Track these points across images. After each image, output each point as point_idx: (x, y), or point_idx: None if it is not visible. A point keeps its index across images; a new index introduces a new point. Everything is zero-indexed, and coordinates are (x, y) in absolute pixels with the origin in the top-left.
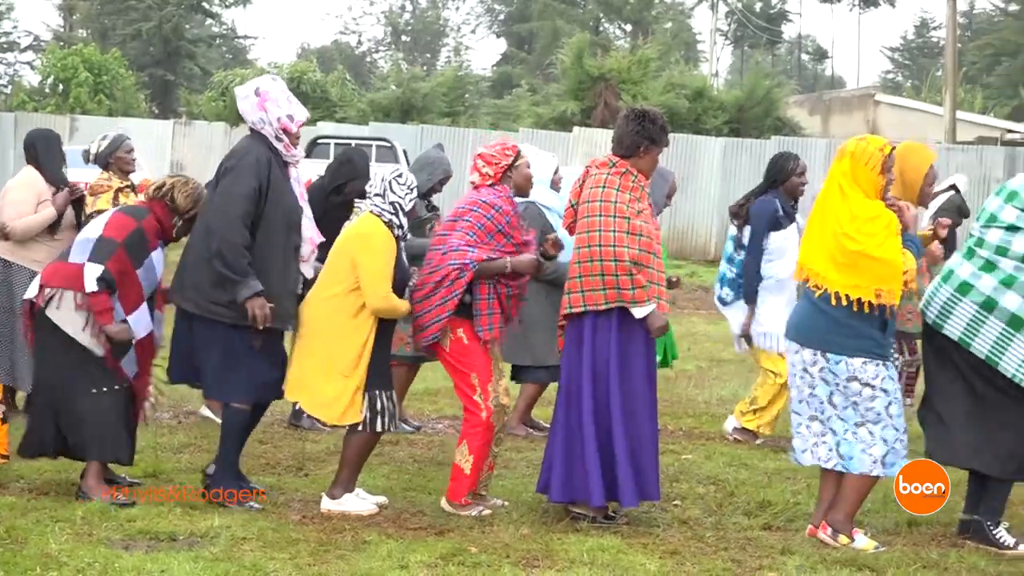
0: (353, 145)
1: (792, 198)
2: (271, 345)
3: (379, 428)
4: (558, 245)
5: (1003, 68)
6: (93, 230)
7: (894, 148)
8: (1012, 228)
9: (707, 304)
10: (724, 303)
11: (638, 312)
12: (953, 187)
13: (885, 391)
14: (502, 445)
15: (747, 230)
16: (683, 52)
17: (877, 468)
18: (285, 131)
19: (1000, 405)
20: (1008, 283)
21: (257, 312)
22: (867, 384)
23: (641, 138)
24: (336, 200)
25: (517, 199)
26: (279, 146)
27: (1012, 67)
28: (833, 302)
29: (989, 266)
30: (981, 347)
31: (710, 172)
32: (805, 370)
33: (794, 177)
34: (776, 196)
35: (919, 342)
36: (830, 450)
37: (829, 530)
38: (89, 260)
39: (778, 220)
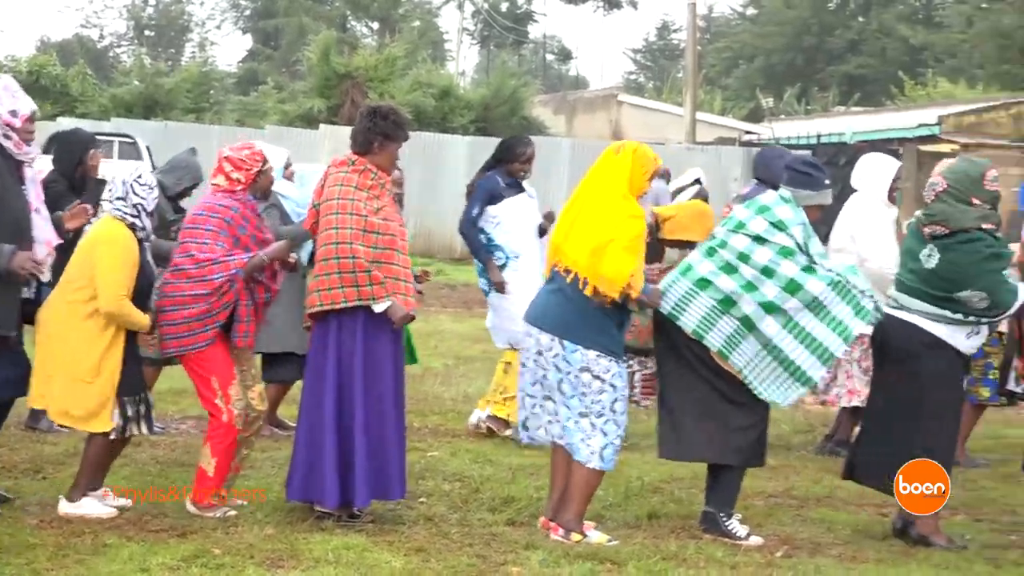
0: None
1: (511, 176)
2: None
3: (133, 433)
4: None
5: (741, 71)
6: None
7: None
8: (758, 239)
9: (454, 302)
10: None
11: (377, 307)
12: (697, 180)
13: (614, 387)
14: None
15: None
16: (430, 51)
17: (594, 460)
18: (10, 127)
19: (727, 396)
20: (748, 289)
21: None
22: (598, 377)
23: (374, 134)
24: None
25: (260, 202)
26: (8, 144)
27: (749, 70)
28: (582, 287)
29: (730, 268)
30: (715, 340)
31: (456, 170)
32: (540, 353)
33: (517, 163)
34: (498, 174)
35: None
36: (563, 428)
37: (561, 530)
38: None
39: (498, 194)
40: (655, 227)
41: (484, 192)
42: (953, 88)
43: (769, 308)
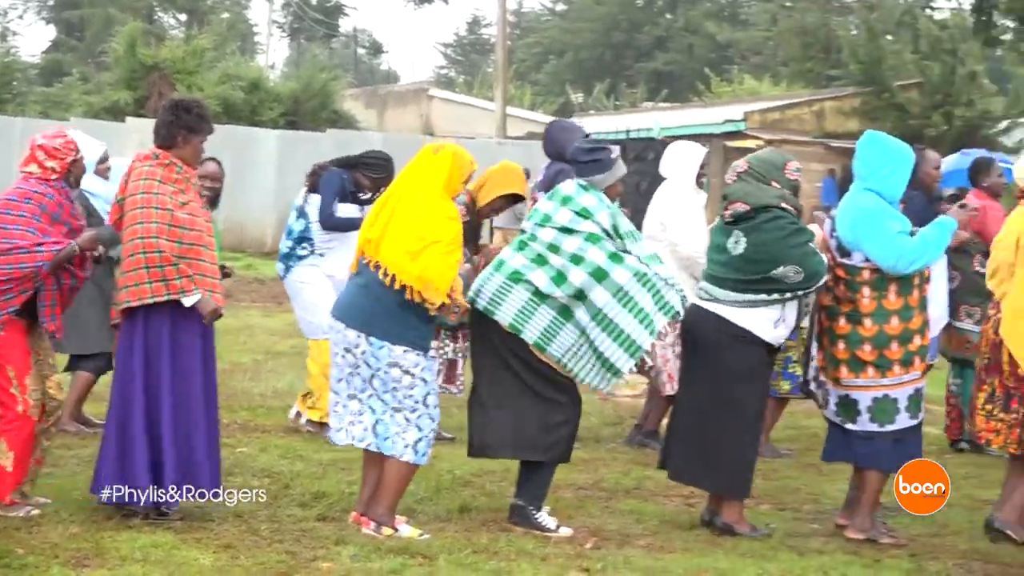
0: None
1: (355, 185)
2: None
3: None
4: None
5: (551, 66)
6: None
7: None
8: (565, 230)
9: (263, 296)
10: (282, 277)
11: (187, 301)
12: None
13: (424, 380)
14: (53, 441)
15: (313, 197)
16: (239, 43)
17: (408, 453)
18: None
19: (540, 393)
20: (558, 280)
21: None
22: (407, 372)
23: (177, 128)
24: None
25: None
26: None
27: (559, 65)
28: (388, 284)
29: (541, 260)
30: (532, 333)
31: (266, 164)
32: (348, 350)
33: (368, 180)
34: (345, 174)
35: None
36: (365, 430)
37: (372, 524)
38: None
39: (346, 194)
40: (472, 204)
41: (336, 187)
42: (758, 85)
43: (580, 295)
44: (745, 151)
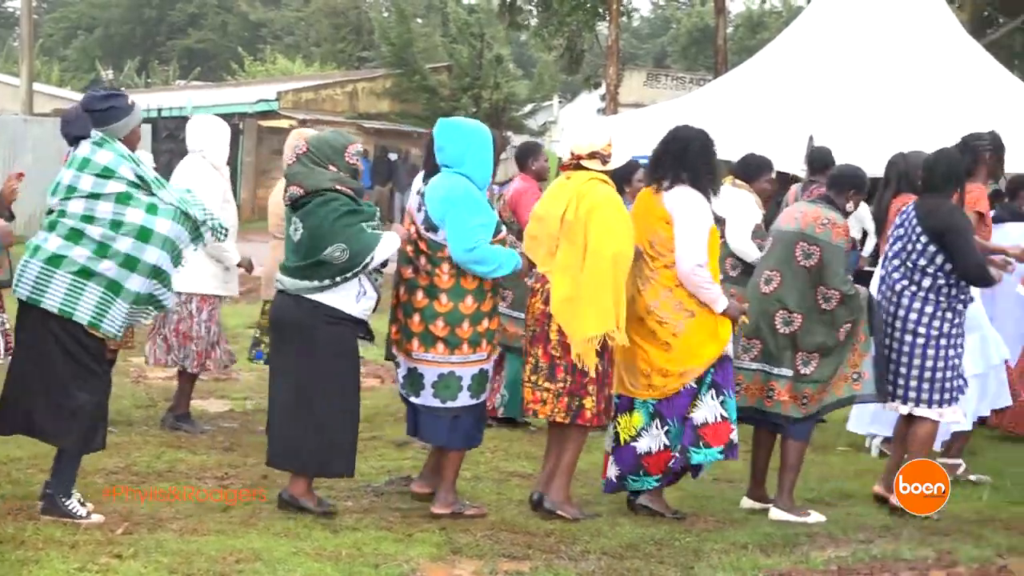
0: None
1: None
2: None
3: None
4: None
5: (80, 42)
6: None
7: None
8: (93, 196)
9: None
10: None
11: None
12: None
13: None
14: None
15: None
16: None
17: None
18: None
19: (74, 379)
20: (101, 252)
21: None
22: None
23: None
24: None
25: None
26: None
27: (89, 41)
28: None
29: (76, 235)
30: (84, 314)
31: None
32: None
33: None
34: None
35: None
36: None
37: None
38: None
39: None
40: None
41: None
42: (291, 65)
43: (130, 264)
44: (279, 131)
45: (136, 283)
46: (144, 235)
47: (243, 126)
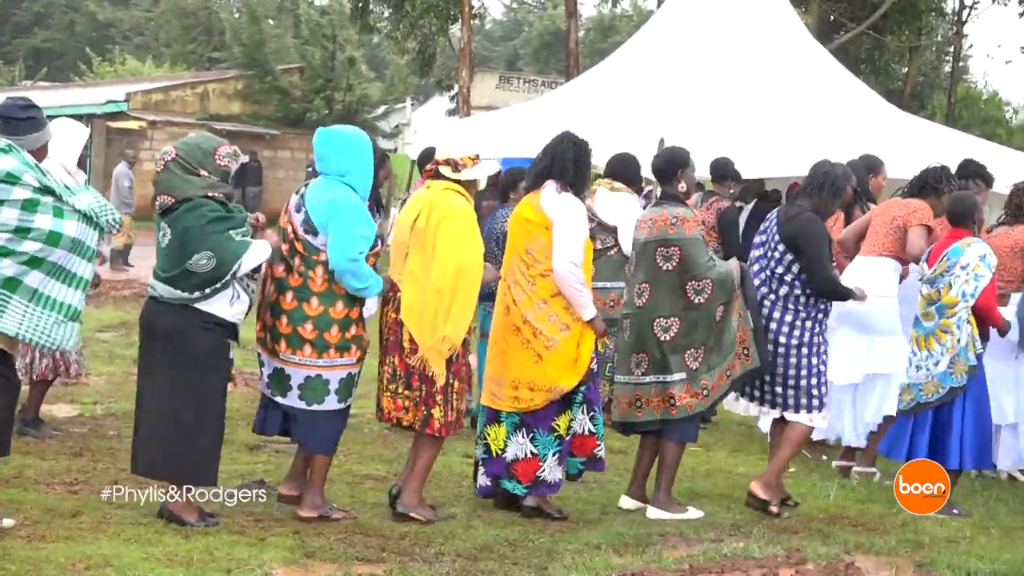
0: None
1: None
2: None
3: None
4: None
5: None
6: None
7: None
8: None
9: None
10: None
11: None
12: None
13: None
14: None
15: None
16: None
17: None
18: None
19: None
20: (3, 255)
21: None
22: None
23: None
24: None
25: None
26: None
27: None
28: None
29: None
30: (9, 326)
31: None
32: None
33: None
34: None
35: None
36: None
37: None
38: None
39: None
40: None
41: None
42: (141, 66)
43: (33, 263)
44: (129, 132)
45: (34, 279)
46: (54, 239)
47: (92, 127)
